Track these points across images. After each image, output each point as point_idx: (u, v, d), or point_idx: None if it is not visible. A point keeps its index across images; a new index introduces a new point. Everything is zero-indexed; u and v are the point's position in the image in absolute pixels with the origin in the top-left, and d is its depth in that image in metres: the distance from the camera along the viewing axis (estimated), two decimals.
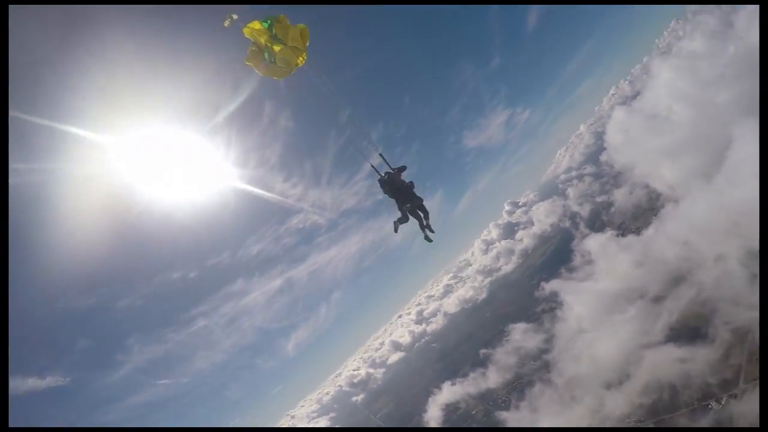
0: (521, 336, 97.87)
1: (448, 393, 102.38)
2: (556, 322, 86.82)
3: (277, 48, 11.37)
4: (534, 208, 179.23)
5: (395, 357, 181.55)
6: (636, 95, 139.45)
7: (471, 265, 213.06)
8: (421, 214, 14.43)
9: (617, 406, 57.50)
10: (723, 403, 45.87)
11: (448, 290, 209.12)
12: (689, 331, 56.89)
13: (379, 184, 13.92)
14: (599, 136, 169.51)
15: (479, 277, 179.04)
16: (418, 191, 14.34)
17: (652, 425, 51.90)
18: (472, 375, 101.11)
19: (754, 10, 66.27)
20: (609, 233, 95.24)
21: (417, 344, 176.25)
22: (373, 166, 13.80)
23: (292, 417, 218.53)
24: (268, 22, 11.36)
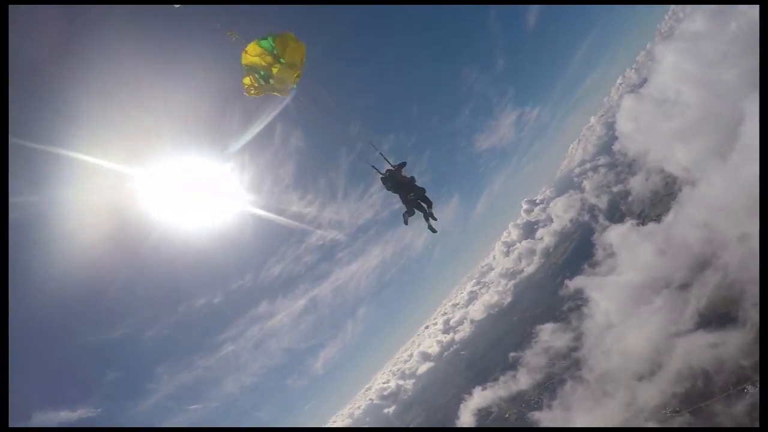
0: (549, 336, 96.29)
1: (480, 398, 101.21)
2: (583, 319, 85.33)
3: (275, 69, 11.85)
4: (551, 204, 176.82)
5: (424, 367, 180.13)
6: (643, 82, 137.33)
7: (493, 269, 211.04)
8: (425, 205, 14.90)
9: (651, 398, 55.99)
10: (758, 386, 44.30)
11: (472, 297, 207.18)
12: (718, 315, 55.30)
13: (381, 182, 14.53)
14: (610, 126, 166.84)
15: (503, 281, 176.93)
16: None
17: (688, 414, 50.31)
18: (502, 379, 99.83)
19: None
20: (629, 223, 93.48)
21: (445, 353, 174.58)
22: (375, 168, 14.41)
23: None
24: (269, 39, 11.68)
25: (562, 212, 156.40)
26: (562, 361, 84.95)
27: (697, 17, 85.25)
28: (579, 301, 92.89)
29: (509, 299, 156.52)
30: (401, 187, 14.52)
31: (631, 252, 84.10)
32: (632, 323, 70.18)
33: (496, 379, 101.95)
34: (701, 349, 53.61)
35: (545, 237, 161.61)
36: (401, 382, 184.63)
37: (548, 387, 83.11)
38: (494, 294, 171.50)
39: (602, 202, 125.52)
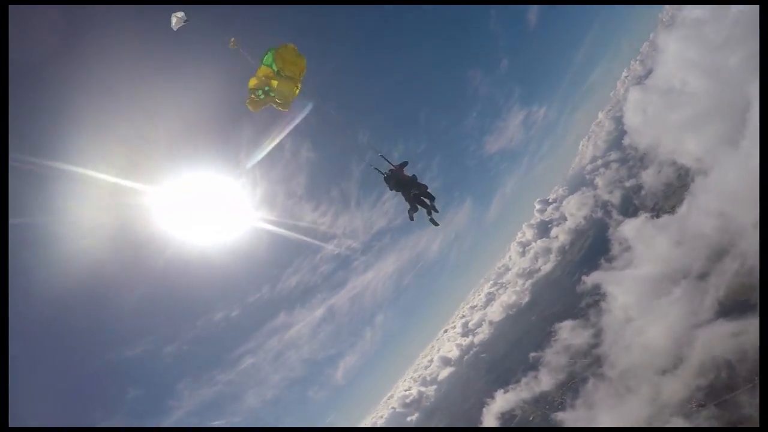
0: (569, 334, 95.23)
1: (502, 401, 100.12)
2: (602, 315, 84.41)
3: (275, 82, 11.98)
4: (564, 202, 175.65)
5: (445, 372, 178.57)
6: (648, 73, 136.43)
7: (510, 269, 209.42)
8: (427, 201, 15.25)
9: (675, 391, 55.01)
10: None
11: (490, 298, 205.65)
12: (738, 303, 54.36)
13: (384, 182, 14.87)
14: (619, 120, 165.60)
15: (520, 281, 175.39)
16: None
17: (713, 407, 49.32)
18: (524, 380, 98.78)
19: None
20: (643, 216, 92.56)
21: (466, 357, 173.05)
22: (378, 169, 14.78)
23: None
24: (269, 54, 11.84)
25: (575, 210, 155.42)
26: (583, 359, 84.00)
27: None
28: (597, 296, 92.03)
29: (527, 299, 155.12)
30: (404, 186, 14.90)
31: (647, 245, 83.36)
32: (652, 316, 69.34)
33: (517, 381, 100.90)
34: (723, 338, 52.70)
35: (560, 235, 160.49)
36: (423, 388, 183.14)
37: (570, 386, 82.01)
38: (512, 294, 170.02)
39: (615, 198, 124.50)
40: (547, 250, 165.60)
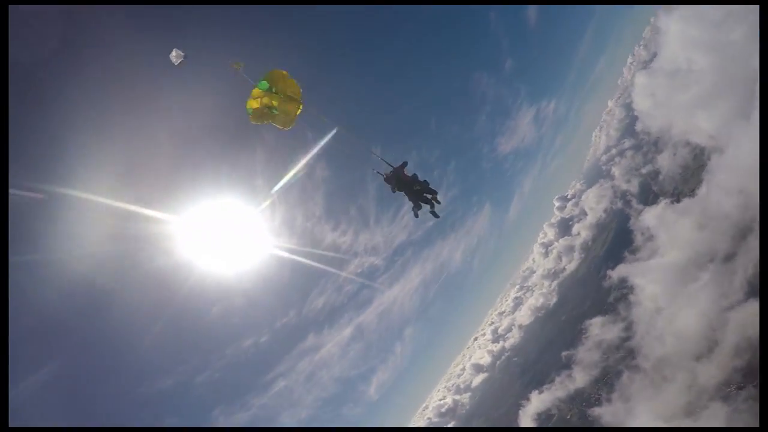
0: (600, 330, 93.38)
1: (538, 402, 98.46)
2: (632, 307, 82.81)
3: (275, 102, 12.47)
4: (583, 197, 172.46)
5: (478, 379, 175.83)
6: (653, 57, 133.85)
7: (535, 272, 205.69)
8: (429, 196, 15.70)
9: (711, 376, 53.56)
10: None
11: (518, 303, 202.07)
12: None
13: (385, 182, 15.30)
14: (629, 107, 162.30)
15: (546, 282, 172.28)
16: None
17: (752, 387, 47.74)
18: (558, 379, 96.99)
19: None
20: (663, 203, 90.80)
21: (498, 362, 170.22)
22: (378, 172, 15.24)
23: None
24: (264, 82, 12.26)
25: (594, 204, 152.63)
26: (615, 353, 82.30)
27: None
28: (624, 290, 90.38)
29: (555, 299, 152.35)
30: (405, 185, 15.33)
31: (670, 231, 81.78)
32: (681, 303, 67.80)
33: (552, 381, 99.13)
34: (756, 318, 51.15)
35: (582, 232, 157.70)
36: (457, 396, 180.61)
37: (605, 381, 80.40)
38: (539, 297, 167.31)
39: (633, 186, 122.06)
40: (570, 248, 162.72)
